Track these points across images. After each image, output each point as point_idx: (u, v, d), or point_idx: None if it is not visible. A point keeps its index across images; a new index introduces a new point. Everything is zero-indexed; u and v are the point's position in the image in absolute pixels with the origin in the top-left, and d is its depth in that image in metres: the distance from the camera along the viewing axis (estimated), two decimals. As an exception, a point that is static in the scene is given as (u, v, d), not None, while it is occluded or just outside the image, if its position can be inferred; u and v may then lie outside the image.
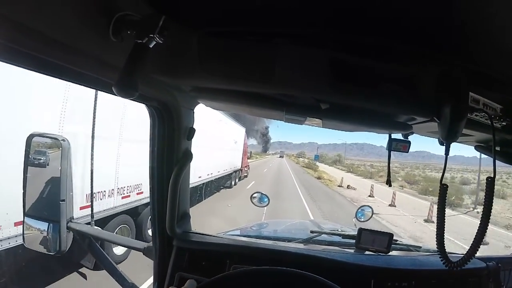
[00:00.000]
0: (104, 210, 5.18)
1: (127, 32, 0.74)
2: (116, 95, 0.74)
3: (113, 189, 5.48)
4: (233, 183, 17.63)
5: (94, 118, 3.53)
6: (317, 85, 1.04)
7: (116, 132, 5.36)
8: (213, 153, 11.93)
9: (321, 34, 0.96)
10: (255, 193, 3.62)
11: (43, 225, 1.55)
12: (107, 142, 5.12)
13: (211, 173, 12.34)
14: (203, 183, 11.64)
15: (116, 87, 0.71)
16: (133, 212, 6.33)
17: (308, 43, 0.99)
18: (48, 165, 1.65)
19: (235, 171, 18.13)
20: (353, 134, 1.56)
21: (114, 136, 5.33)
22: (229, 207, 11.50)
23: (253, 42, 1.02)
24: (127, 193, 5.92)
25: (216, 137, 11.95)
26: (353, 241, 1.92)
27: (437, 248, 1.03)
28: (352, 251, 1.89)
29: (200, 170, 10.45)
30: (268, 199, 3.55)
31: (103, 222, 5.24)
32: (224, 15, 0.93)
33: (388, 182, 1.62)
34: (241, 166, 19.72)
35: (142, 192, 6.32)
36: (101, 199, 5.11)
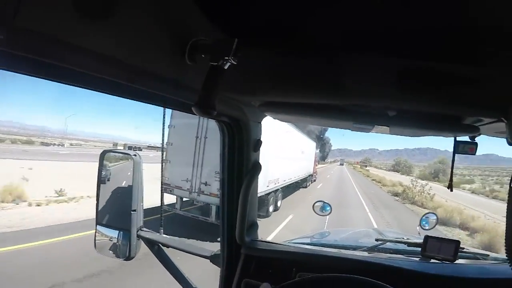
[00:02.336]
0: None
1: (201, 55, 0.79)
2: (195, 115, 0.80)
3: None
4: (308, 184, 24.19)
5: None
6: (384, 93, 1.06)
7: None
8: (295, 163, 16.83)
9: (385, 43, 0.95)
10: (317, 201, 3.56)
11: (114, 233, 1.68)
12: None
13: (297, 176, 18.24)
14: (291, 183, 16.63)
15: (196, 107, 0.75)
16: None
17: (372, 52, 0.99)
18: (108, 180, 1.78)
19: (309, 175, 24.38)
20: (414, 139, 1.52)
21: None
22: (309, 196, 16.86)
23: (319, 54, 1.03)
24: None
25: (297, 150, 17.30)
26: (419, 249, 1.86)
27: (506, 256, 0.97)
28: (417, 259, 1.83)
29: (288, 174, 15.00)
30: (331, 208, 3.47)
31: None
32: (290, 31, 0.94)
33: (450, 187, 1.57)
34: (313, 171, 26.38)
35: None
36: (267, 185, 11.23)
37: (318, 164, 37.60)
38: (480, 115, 1.15)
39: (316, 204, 3.56)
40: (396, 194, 27.69)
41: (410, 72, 0.99)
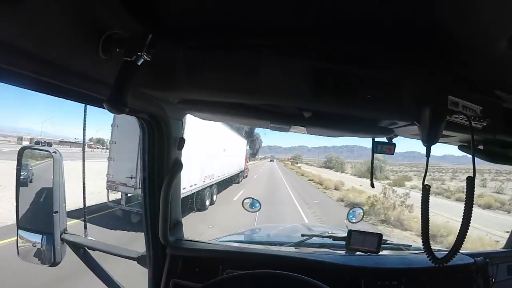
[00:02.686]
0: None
1: (116, 49, 0.76)
2: (108, 110, 0.77)
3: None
4: (240, 180, 25.27)
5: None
6: (299, 94, 1.07)
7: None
8: (228, 159, 17.85)
9: (302, 43, 1.00)
10: (246, 198, 3.59)
11: (37, 237, 1.55)
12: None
13: (230, 172, 19.35)
14: (224, 179, 17.42)
15: (107, 103, 0.73)
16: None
17: (290, 53, 1.03)
18: (31, 181, 1.66)
19: (241, 171, 25.57)
20: (343, 137, 1.60)
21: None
22: (240, 190, 19.16)
23: (237, 53, 1.05)
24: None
25: (230, 148, 17.85)
26: (344, 242, 1.96)
27: (422, 245, 1.06)
28: (342, 252, 1.92)
29: (222, 170, 16.14)
30: (260, 204, 3.53)
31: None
32: (208, 27, 0.96)
33: (372, 185, 1.64)
34: (244, 168, 27.51)
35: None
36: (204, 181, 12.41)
37: (249, 160, 39.55)
38: (394, 118, 1.20)
39: (245, 200, 3.58)
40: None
41: (324, 74, 1.03)
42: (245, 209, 3.58)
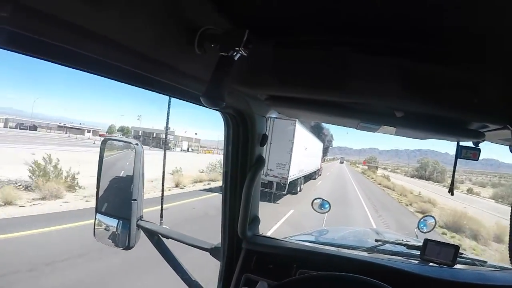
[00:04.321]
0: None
1: (210, 45, 0.78)
2: (204, 106, 0.79)
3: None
4: (316, 176, 30.52)
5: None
6: (391, 92, 1.04)
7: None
8: (311, 159, 22.48)
9: (394, 42, 0.96)
10: (316, 198, 3.54)
11: (113, 222, 1.68)
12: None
13: (311, 169, 24.38)
14: (306, 174, 21.63)
15: (204, 97, 0.75)
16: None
17: (382, 51, 0.99)
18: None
19: (317, 169, 30.30)
20: (415, 140, 1.51)
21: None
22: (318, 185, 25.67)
23: (326, 50, 1.04)
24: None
25: (312, 149, 22.67)
26: (418, 252, 1.87)
27: (510, 261, 1.01)
28: (416, 262, 1.83)
29: (307, 167, 21.13)
30: (329, 205, 3.45)
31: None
32: (297, 24, 0.95)
33: (451, 191, 1.60)
34: (320, 167, 32.30)
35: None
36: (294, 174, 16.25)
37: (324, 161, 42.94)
38: (486, 121, 1.15)
39: (315, 201, 3.53)
40: None
41: (418, 73, 1.00)
42: (315, 210, 3.52)
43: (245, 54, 0.76)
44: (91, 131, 79.27)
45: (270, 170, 14.92)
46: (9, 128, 54.98)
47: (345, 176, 47.02)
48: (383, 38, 0.94)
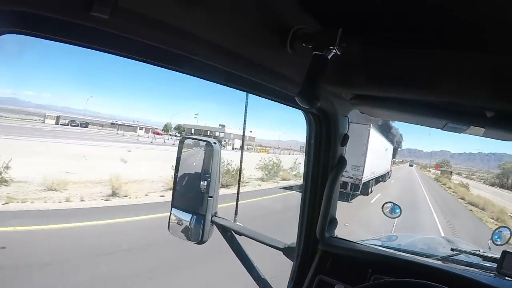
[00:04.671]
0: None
1: (302, 45, 0.79)
2: (294, 106, 0.79)
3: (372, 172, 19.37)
4: (385, 179, 31.22)
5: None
6: (482, 91, 0.99)
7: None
8: (380, 162, 22.92)
9: (483, 37, 0.90)
10: (386, 202, 3.41)
11: (187, 217, 1.75)
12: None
13: (381, 171, 25.78)
14: (375, 177, 22.61)
15: (300, 97, 0.76)
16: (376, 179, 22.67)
17: (470, 47, 0.94)
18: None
19: (387, 172, 31.58)
20: (489, 143, 1.33)
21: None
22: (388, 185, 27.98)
23: (415, 48, 1.00)
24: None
25: (381, 152, 23.58)
26: (494, 264, 1.82)
27: None
28: (492, 275, 1.76)
29: (378, 169, 22.44)
30: (400, 210, 3.30)
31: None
32: (384, 22, 0.93)
33: None
34: (389, 169, 33.59)
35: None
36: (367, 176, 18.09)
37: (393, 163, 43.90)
38: None
39: (386, 205, 3.41)
40: None
41: (508, 69, 0.93)
42: (385, 214, 3.40)
43: (339, 53, 0.76)
44: (144, 128, 79.76)
45: (346, 171, 14.64)
46: (60, 124, 54.93)
47: (414, 185, 39.64)
48: (470, 33, 0.89)
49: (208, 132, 72.71)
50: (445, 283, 1.15)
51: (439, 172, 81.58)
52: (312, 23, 0.86)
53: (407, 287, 1.18)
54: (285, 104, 1.01)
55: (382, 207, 3.40)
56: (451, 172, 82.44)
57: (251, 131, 73.45)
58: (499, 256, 1.72)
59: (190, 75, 0.80)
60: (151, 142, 40.29)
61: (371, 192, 20.05)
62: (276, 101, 1.07)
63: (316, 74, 0.76)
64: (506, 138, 1.41)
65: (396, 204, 3.36)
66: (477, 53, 0.95)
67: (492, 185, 61.09)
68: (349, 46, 1.01)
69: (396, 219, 3.45)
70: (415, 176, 59.24)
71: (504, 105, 1.04)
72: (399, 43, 1.00)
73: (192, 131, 79.91)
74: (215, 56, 0.73)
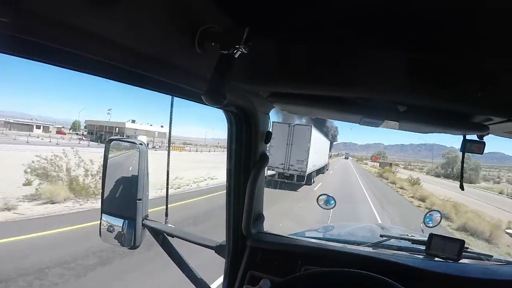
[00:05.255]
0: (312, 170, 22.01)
1: (211, 44, 0.78)
2: (205, 104, 0.80)
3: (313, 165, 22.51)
4: (325, 171, 34.78)
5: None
6: (395, 86, 1.04)
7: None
8: (319, 156, 26.41)
9: (395, 34, 0.94)
10: (321, 195, 3.54)
11: (119, 222, 1.68)
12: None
13: (321, 164, 29.25)
14: (317, 169, 26.03)
15: (206, 96, 0.75)
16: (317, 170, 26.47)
17: (384, 45, 0.98)
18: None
19: (325, 165, 35.10)
20: (420, 134, 1.50)
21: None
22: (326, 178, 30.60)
23: (329, 46, 1.03)
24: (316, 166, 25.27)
25: (321, 148, 27.44)
26: (423, 247, 1.87)
27: None
28: (421, 257, 1.84)
29: (319, 162, 26.26)
30: (335, 201, 3.46)
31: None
32: (300, 22, 0.94)
33: (461, 187, 1.60)
34: (327, 162, 37.70)
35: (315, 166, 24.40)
36: (310, 168, 21.33)
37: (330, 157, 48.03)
38: (490, 114, 1.15)
39: (320, 197, 3.54)
40: None
41: (421, 66, 0.99)
42: (320, 206, 3.53)
43: (246, 52, 0.76)
44: (42, 127, 69.76)
45: (292, 165, 20.05)
46: None
47: (350, 173, 44.40)
48: (384, 31, 0.93)
49: (107, 128, 63.81)
50: (373, 269, 1.18)
51: (378, 164, 79.07)
52: (227, 22, 0.86)
53: (332, 276, 1.20)
54: (198, 102, 1.00)
55: (317, 199, 3.52)
56: (391, 164, 77.20)
57: (162, 126, 66.79)
58: (427, 239, 1.81)
59: (99, 76, 0.76)
60: (57, 144, 32.01)
61: (313, 182, 22.97)
62: (190, 100, 1.06)
63: (222, 73, 0.76)
64: (419, 130, 1.50)
65: (330, 196, 3.51)
66: (390, 50, 1.00)
67: (437, 176, 59.39)
68: (264, 44, 1.02)
69: (332, 210, 3.56)
70: (350, 166, 64.66)
71: (415, 100, 1.11)
72: (314, 41, 1.03)
73: (96, 128, 68.17)
74: (123, 58, 0.71)
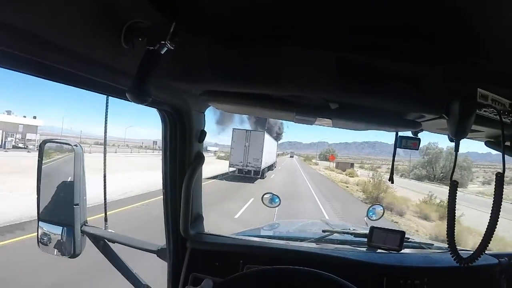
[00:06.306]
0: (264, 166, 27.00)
1: (138, 39, 0.76)
2: (129, 101, 0.77)
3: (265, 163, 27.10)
4: (273, 168, 38.74)
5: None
6: (326, 85, 1.07)
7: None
8: (270, 155, 31.08)
9: (326, 34, 0.98)
10: (266, 193, 3.56)
11: (58, 229, 1.57)
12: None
13: (270, 162, 33.40)
14: (268, 166, 30.40)
15: (130, 93, 0.73)
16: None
17: (315, 44, 1.02)
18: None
19: (274, 163, 38.95)
20: (364, 132, 1.58)
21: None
22: (276, 173, 37.01)
23: (261, 45, 1.04)
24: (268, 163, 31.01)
25: (270, 148, 30.78)
26: (365, 239, 1.93)
27: (447, 245, 1.03)
28: (364, 249, 1.90)
29: (269, 160, 31.32)
30: (279, 200, 3.49)
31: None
32: (232, 20, 0.95)
33: (391, 179, 1.63)
34: (276, 160, 42.43)
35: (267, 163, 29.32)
36: (263, 165, 26.47)
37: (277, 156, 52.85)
38: (422, 111, 1.19)
39: (265, 196, 3.55)
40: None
41: (351, 65, 1.02)
42: (265, 205, 3.54)
43: (171, 48, 0.74)
44: None
45: (249, 163, 24.96)
46: None
47: (295, 170, 48.30)
48: (316, 30, 0.97)
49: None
50: (315, 265, 1.22)
51: (335, 165, 63.93)
52: (157, 18, 0.84)
53: (272, 274, 1.22)
54: (123, 99, 0.95)
55: (262, 198, 3.54)
56: (352, 164, 65.34)
57: (35, 117, 52.47)
58: (368, 232, 1.89)
59: (19, 71, 0.70)
60: None
61: (265, 176, 27.98)
62: (115, 97, 1.01)
63: (147, 69, 0.74)
64: (353, 127, 1.54)
65: (275, 195, 3.53)
66: (320, 50, 1.02)
67: (418, 179, 47.47)
68: (197, 43, 1.02)
69: (277, 208, 3.59)
70: (295, 163, 72.97)
71: (346, 98, 1.15)
72: (245, 40, 1.04)
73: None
74: (45, 53, 0.66)
